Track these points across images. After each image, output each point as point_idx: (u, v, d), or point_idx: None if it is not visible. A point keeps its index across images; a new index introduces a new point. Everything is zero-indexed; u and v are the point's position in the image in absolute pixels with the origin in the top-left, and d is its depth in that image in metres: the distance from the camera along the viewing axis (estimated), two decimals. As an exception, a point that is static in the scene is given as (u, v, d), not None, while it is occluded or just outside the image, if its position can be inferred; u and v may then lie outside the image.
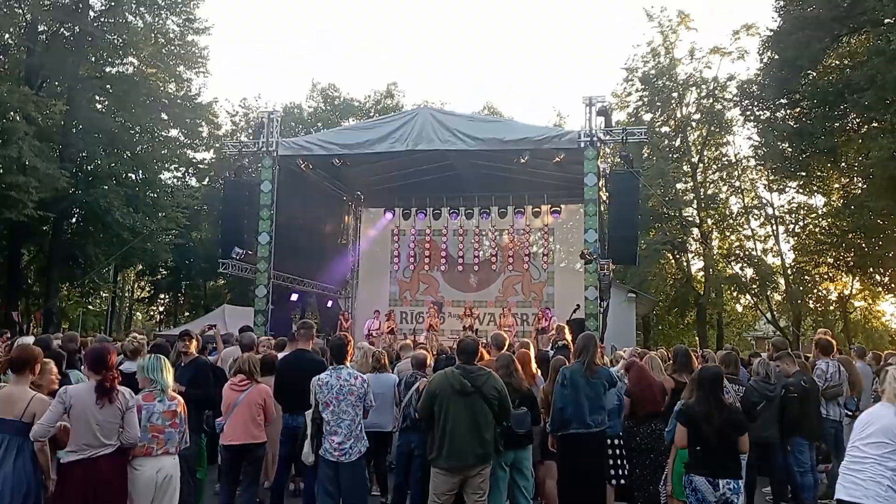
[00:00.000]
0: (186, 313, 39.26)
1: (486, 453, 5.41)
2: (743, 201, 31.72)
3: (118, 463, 4.58)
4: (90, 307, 39.31)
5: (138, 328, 35.29)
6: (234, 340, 9.62)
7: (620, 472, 6.73)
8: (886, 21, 19.56)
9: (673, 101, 31.23)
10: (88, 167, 25.69)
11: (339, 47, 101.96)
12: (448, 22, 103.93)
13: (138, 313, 47.12)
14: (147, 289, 42.85)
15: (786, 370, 7.66)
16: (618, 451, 6.76)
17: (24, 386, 4.63)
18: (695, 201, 30.84)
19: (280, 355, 7.82)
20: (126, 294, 44.22)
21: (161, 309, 44.04)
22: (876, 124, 21.45)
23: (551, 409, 6.39)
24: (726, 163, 32.08)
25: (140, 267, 36.25)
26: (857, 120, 22.68)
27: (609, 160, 23.77)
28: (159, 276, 38.59)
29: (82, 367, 4.93)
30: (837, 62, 23.26)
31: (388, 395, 7.16)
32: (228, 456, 6.43)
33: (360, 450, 5.65)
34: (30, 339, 7.60)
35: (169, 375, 5.01)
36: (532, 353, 7.45)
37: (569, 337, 9.31)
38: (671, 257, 32.11)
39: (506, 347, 7.19)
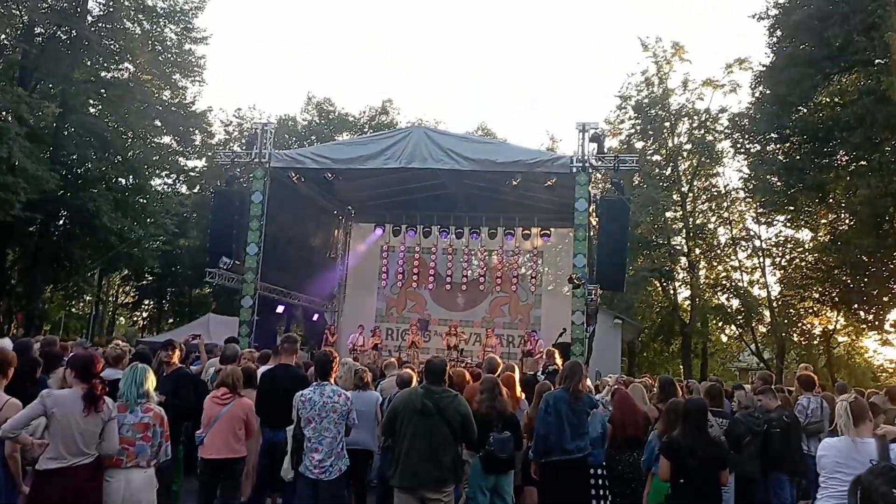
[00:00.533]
0: (170, 320, 38.96)
1: (442, 477, 5.31)
2: (731, 232, 31.94)
3: (95, 473, 4.47)
4: (73, 310, 38.92)
5: (121, 334, 34.98)
6: (217, 351, 9.52)
7: (603, 502, 6.67)
8: (877, 62, 19.87)
9: (665, 131, 31.51)
10: (79, 170, 25.57)
11: (335, 62, 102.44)
12: (445, 41, 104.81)
13: (121, 318, 46.67)
14: (132, 294, 42.50)
15: (767, 405, 7.63)
16: (601, 481, 6.71)
17: (-3, 390, 4.55)
18: (683, 230, 31.01)
19: (263, 368, 7.74)
20: (110, 299, 43.81)
21: (145, 315, 43.68)
22: (864, 163, 21.72)
23: (534, 435, 6.36)
24: (716, 193, 32.32)
25: (126, 272, 35.99)
26: (846, 158, 22.94)
27: (600, 186, 23.95)
28: (145, 282, 38.31)
29: (65, 372, 4.80)
30: (828, 100, 23.55)
31: (369, 413, 7.06)
32: (208, 469, 6.33)
33: (341, 468, 5.59)
34: (6, 342, 7.46)
35: (149, 386, 4.86)
36: (517, 376, 7.43)
37: (559, 362, 9.29)
38: (658, 285, 32.23)
39: (498, 372, 7.14)
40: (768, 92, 23.94)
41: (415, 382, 7.68)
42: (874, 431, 4.26)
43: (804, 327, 29.33)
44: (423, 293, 21.55)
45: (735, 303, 31.16)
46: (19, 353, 5.32)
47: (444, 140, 16.04)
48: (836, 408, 4.44)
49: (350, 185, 18.94)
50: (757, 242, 30.83)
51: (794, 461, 7.53)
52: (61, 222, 26.32)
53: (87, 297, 35.52)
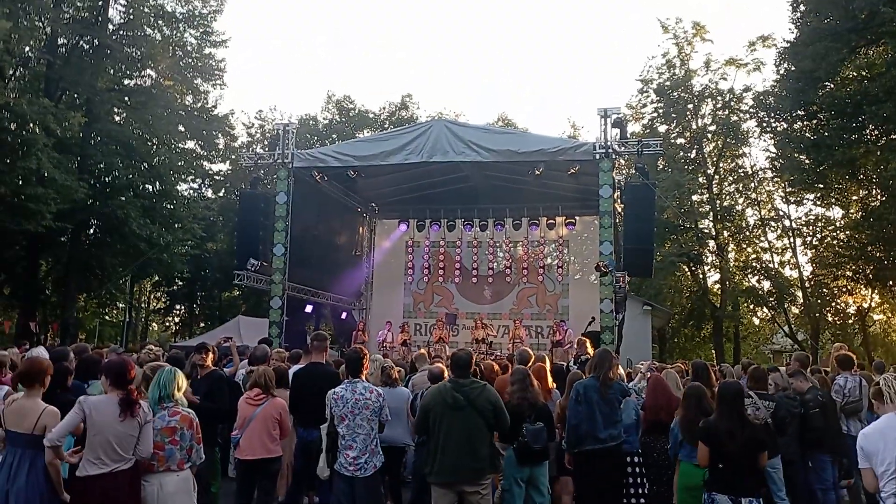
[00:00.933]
0: (202, 324, 39.44)
1: (481, 468, 5.31)
2: (759, 213, 31.51)
3: (135, 477, 4.53)
4: (107, 318, 39.59)
5: (154, 339, 35.53)
6: (249, 353, 9.61)
7: (640, 490, 6.61)
8: (905, 32, 19.42)
9: (688, 113, 31.11)
10: (106, 178, 25.91)
11: (354, 60, 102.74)
12: (462, 33, 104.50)
13: (154, 324, 47.39)
14: (163, 300, 43.11)
15: (799, 387, 7.50)
16: (637, 469, 6.65)
17: (35, 399, 4.62)
18: (711, 213, 30.62)
19: (294, 368, 7.79)
20: (142, 305, 44.50)
21: (177, 320, 44.27)
22: (895, 136, 21.26)
23: (566, 425, 6.32)
24: (742, 174, 31.90)
25: (156, 278, 36.48)
26: (876, 132, 22.49)
27: (624, 172, 23.75)
28: (175, 287, 38.82)
29: (101, 378, 4.87)
30: (855, 74, 23.09)
31: (400, 410, 7.06)
32: (243, 470, 6.38)
33: (376, 464, 5.61)
34: (41, 351, 7.60)
35: (174, 389, 4.88)
36: (548, 366, 7.39)
37: (591, 350, 9.23)
38: (687, 270, 31.88)
39: (531, 363, 7.11)
40: (793, 68, 23.52)
41: (447, 375, 7.70)
42: None
43: (838, 306, 28.90)
44: (450, 287, 21.54)
45: (766, 284, 30.79)
46: (54, 361, 5.41)
47: (464, 132, 15.98)
48: (875, 385, 4.30)
49: (373, 181, 18.96)
50: (787, 222, 30.43)
51: (834, 441, 7.42)
52: (91, 231, 26.71)
53: (120, 305, 36.05)
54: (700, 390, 5.92)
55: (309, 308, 18.75)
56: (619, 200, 15.99)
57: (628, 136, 16.27)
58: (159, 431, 4.68)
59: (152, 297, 44.84)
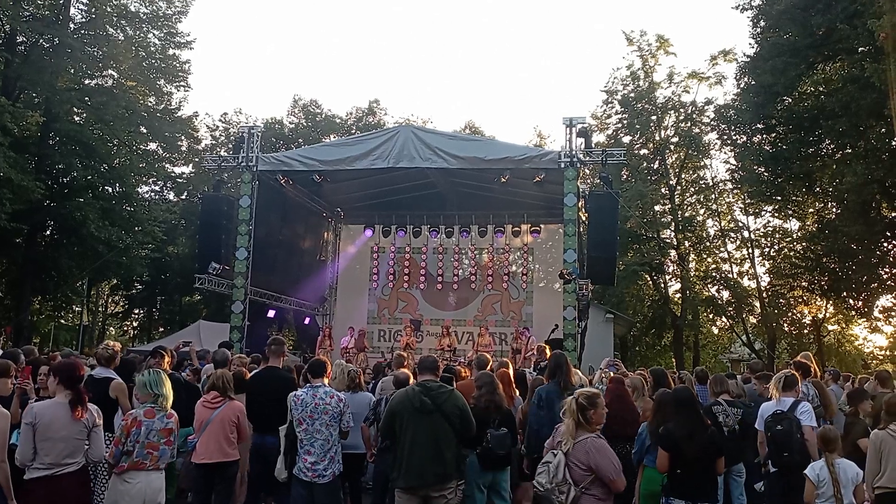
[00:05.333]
0: (161, 329, 38.80)
1: (446, 473, 5.27)
2: (720, 224, 32.07)
3: (82, 480, 4.55)
4: (62, 322, 38.65)
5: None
6: (209, 357, 9.47)
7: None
8: (860, 49, 19.99)
9: (652, 124, 31.61)
10: (64, 179, 25.37)
11: (322, 64, 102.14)
12: (431, 40, 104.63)
13: (111, 328, 46.42)
14: (121, 303, 42.28)
15: (763, 391, 7.65)
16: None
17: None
18: (672, 223, 31.12)
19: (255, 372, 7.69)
20: (100, 309, 43.57)
21: (135, 324, 43.45)
22: (850, 150, 21.84)
23: (526, 430, 6.34)
24: (703, 186, 32.46)
25: (115, 281, 35.79)
26: (832, 146, 23.09)
27: (589, 181, 23.98)
28: (134, 291, 38.11)
29: (51, 378, 4.89)
30: (812, 89, 23.68)
31: (362, 416, 7.02)
32: (201, 474, 6.27)
33: (335, 471, 5.56)
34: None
35: (169, 389, 5.05)
36: (511, 372, 7.41)
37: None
38: (649, 279, 32.32)
39: (488, 368, 7.13)
40: (753, 82, 24.06)
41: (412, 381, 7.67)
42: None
43: (794, 317, 29.51)
44: (415, 293, 21.50)
45: (725, 294, 31.29)
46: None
47: (431, 139, 15.99)
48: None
49: (338, 186, 18.86)
50: (745, 233, 30.99)
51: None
52: (48, 232, 26.11)
53: (76, 308, 35.26)
54: (668, 395, 5.98)
55: (271, 313, 18.54)
56: (583, 209, 16.13)
57: (593, 145, 16.44)
58: (157, 432, 4.85)
59: (110, 300, 43.94)
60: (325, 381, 5.89)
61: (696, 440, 4.93)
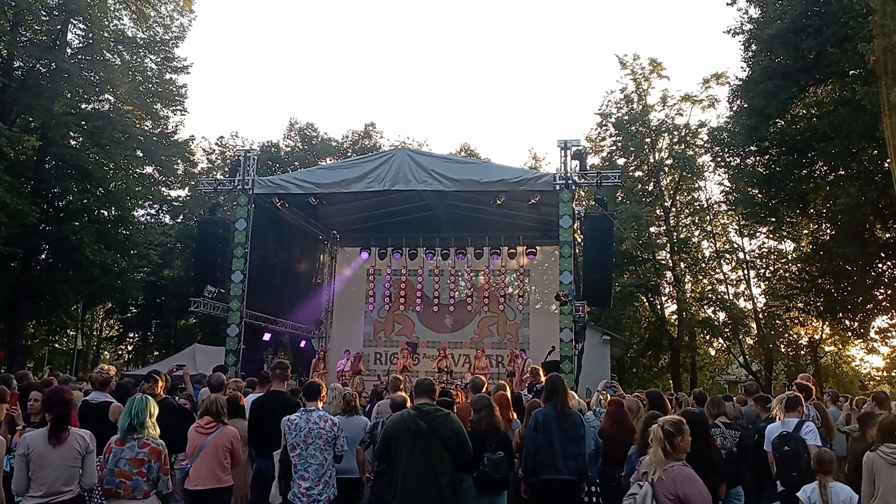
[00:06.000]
0: (156, 353, 38.55)
1: (442, 497, 5.20)
2: (715, 245, 32.17)
3: None
4: (57, 346, 38.41)
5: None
6: (205, 381, 9.40)
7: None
8: (851, 72, 20.20)
9: (646, 147, 31.83)
10: (60, 203, 25.36)
11: (317, 87, 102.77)
12: (427, 63, 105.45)
13: (106, 352, 46.12)
14: (116, 327, 42.05)
15: (760, 413, 7.63)
16: (594, 499, 6.63)
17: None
18: (667, 245, 31.20)
19: (252, 397, 7.62)
20: (94, 333, 43.32)
21: (130, 348, 43.18)
22: (842, 172, 21.99)
23: (523, 453, 6.29)
24: (698, 207, 32.63)
25: (109, 305, 35.64)
26: (825, 168, 23.23)
27: (584, 203, 24.09)
28: (129, 315, 37.94)
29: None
30: (804, 111, 23.89)
31: (357, 439, 6.93)
32: (193, 501, 6.19)
33: (330, 496, 5.50)
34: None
35: (151, 418, 4.98)
36: (509, 394, 7.38)
37: (544, 380, 9.23)
38: (645, 300, 32.32)
39: (484, 390, 7.10)
40: (746, 105, 24.25)
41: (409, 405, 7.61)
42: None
43: (791, 338, 29.51)
44: (411, 315, 21.44)
45: (721, 315, 31.30)
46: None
47: (427, 161, 16.05)
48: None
49: (334, 209, 18.88)
50: (741, 255, 31.12)
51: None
52: (43, 256, 26.04)
53: (71, 332, 35.06)
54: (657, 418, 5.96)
55: (267, 336, 18.46)
56: (578, 231, 16.17)
57: (588, 167, 16.51)
58: (127, 461, 4.74)
59: (105, 324, 43.70)
60: (320, 404, 5.84)
61: (698, 465, 4.88)
